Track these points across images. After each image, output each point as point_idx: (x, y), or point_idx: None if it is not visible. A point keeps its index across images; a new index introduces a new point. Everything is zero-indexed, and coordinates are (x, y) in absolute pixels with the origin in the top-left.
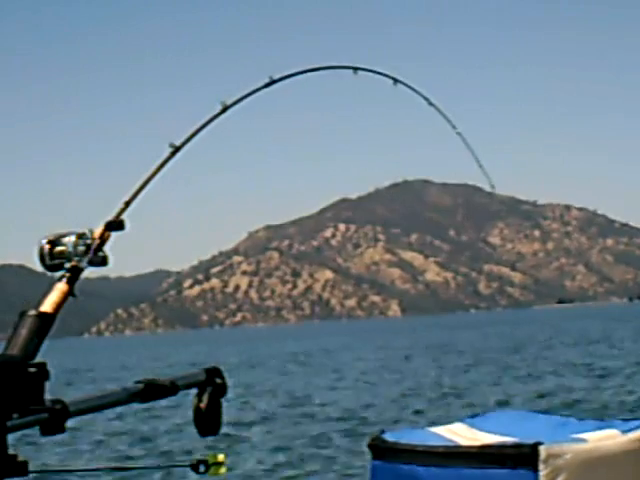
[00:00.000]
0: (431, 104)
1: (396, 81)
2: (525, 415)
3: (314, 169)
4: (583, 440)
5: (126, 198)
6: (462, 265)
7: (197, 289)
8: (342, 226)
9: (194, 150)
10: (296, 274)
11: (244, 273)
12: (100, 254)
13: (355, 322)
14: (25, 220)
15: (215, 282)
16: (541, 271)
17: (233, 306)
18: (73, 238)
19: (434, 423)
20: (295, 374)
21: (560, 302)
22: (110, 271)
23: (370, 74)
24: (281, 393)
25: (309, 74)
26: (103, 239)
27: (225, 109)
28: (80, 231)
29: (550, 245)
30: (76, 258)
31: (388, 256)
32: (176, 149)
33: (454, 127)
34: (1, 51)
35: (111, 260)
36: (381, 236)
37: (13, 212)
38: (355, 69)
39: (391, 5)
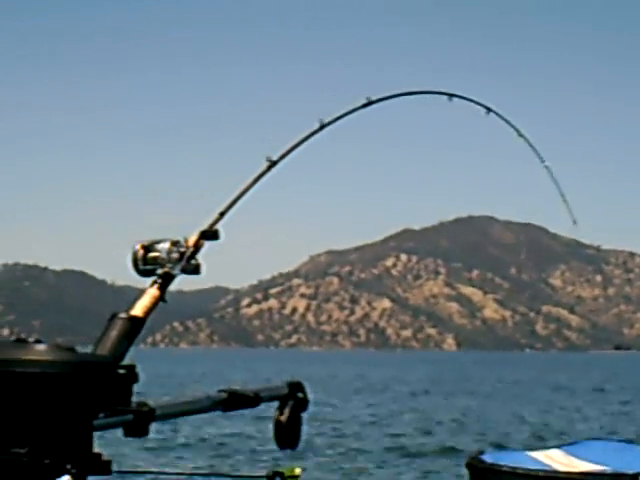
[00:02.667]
0: (521, 135)
1: (489, 110)
2: (621, 446)
3: (382, 196)
4: None
5: (221, 209)
6: (521, 304)
7: (255, 308)
8: (404, 256)
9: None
10: (354, 301)
11: (302, 296)
12: (193, 262)
13: (410, 353)
14: (96, 229)
15: (273, 302)
16: (600, 316)
17: (289, 328)
18: (167, 245)
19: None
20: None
21: (617, 348)
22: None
23: (464, 102)
24: (367, 412)
25: (405, 97)
26: (197, 247)
27: (322, 127)
28: (174, 238)
29: (611, 291)
30: (169, 265)
31: (447, 290)
32: (272, 163)
33: (542, 160)
34: (103, 64)
35: (203, 269)
36: (442, 269)
37: (81, 220)
38: (450, 95)
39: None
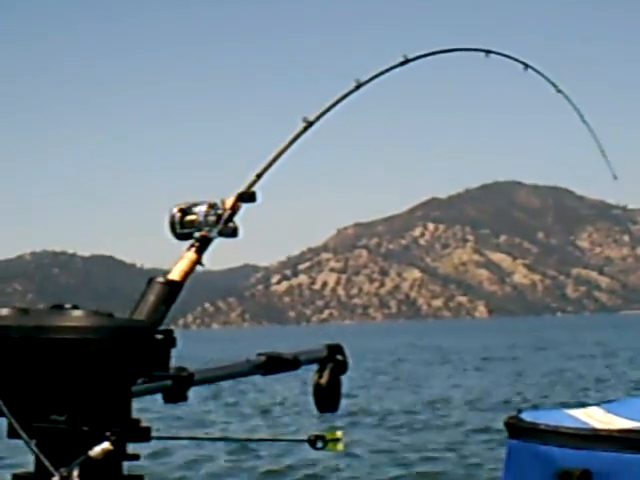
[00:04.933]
0: (559, 91)
1: (527, 66)
2: None
3: (408, 166)
4: None
5: (258, 170)
6: (550, 268)
7: (285, 285)
8: (431, 225)
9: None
10: (384, 272)
11: (332, 270)
12: (231, 225)
13: (442, 322)
14: (123, 211)
15: (303, 278)
16: (629, 276)
17: (320, 303)
18: (204, 208)
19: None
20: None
21: None
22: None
23: (502, 58)
24: (402, 379)
25: (442, 55)
26: (234, 210)
27: (359, 86)
28: (212, 201)
29: (639, 250)
30: (206, 228)
31: (476, 257)
32: (309, 124)
33: (581, 115)
34: (139, 45)
35: (241, 233)
36: (470, 237)
37: (108, 203)
38: (487, 52)
39: None
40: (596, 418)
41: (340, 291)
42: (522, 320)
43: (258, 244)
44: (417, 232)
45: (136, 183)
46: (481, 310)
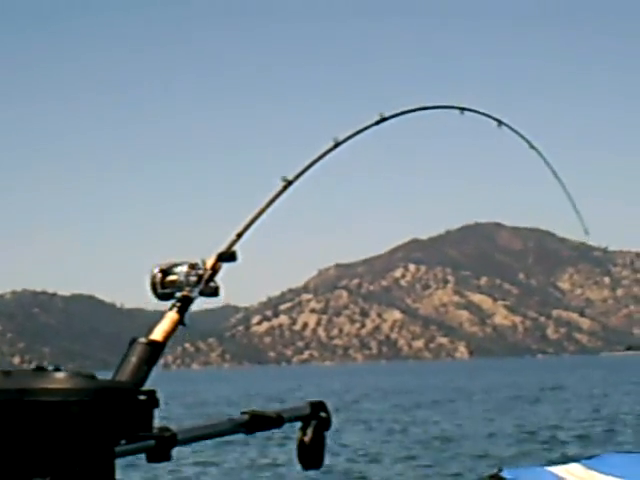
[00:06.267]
0: (533, 147)
1: (500, 123)
2: None
3: (388, 207)
4: None
5: (238, 230)
6: (531, 309)
7: (265, 325)
8: (412, 266)
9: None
10: (364, 313)
11: (313, 311)
12: (212, 285)
13: (423, 363)
14: (103, 252)
15: (283, 319)
16: (610, 318)
17: (301, 344)
18: (185, 268)
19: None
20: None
21: (628, 349)
22: None
23: (476, 115)
24: (384, 425)
25: (418, 113)
26: (215, 270)
27: (337, 145)
28: (192, 261)
29: (620, 292)
30: (187, 288)
31: (457, 298)
32: (288, 183)
33: (554, 172)
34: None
35: (222, 292)
36: (450, 278)
37: (88, 244)
38: (462, 109)
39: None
40: (577, 475)
41: (321, 332)
42: (502, 361)
43: (238, 284)
44: (398, 273)
45: (116, 224)
46: (462, 351)
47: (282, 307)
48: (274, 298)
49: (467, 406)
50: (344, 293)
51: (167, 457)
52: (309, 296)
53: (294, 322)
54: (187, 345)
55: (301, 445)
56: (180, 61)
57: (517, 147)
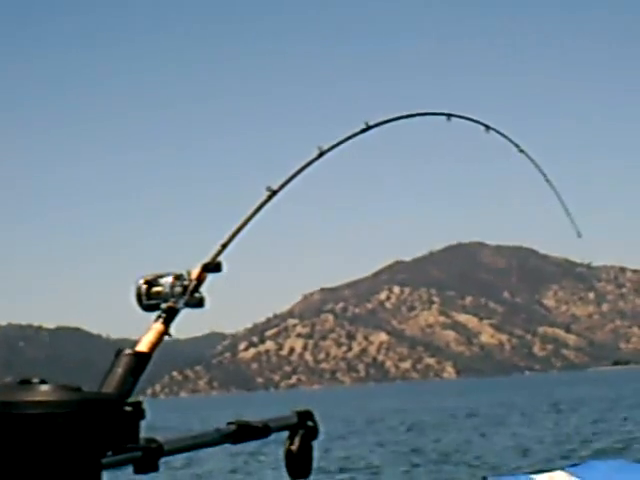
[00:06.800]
0: (521, 151)
1: (488, 128)
2: (625, 465)
3: (371, 230)
4: None
5: (223, 240)
6: (517, 327)
7: (252, 351)
8: (397, 288)
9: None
10: (351, 337)
11: (299, 336)
12: (197, 295)
13: (410, 384)
14: (88, 283)
15: (270, 345)
16: (596, 333)
17: (288, 369)
18: (170, 279)
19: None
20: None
21: (615, 364)
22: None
23: (463, 121)
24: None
25: (404, 120)
26: (200, 280)
27: (322, 154)
28: (177, 272)
29: (605, 307)
30: (173, 299)
31: (443, 318)
32: (273, 193)
33: (544, 175)
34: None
35: (207, 302)
36: (435, 298)
37: (72, 275)
38: (449, 115)
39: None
40: None
41: (307, 356)
42: (490, 380)
43: (223, 311)
44: (383, 295)
45: (100, 253)
46: (449, 371)
47: (268, 333)
48: (260, 324)
49: (454, 422)
50: (330, 317)
51: (154, 468)
52: (295, 321)
53: (281, 347)
54: (175, 373)
55: (289, 454)
56: (159, 71)
57: (506, 152)
